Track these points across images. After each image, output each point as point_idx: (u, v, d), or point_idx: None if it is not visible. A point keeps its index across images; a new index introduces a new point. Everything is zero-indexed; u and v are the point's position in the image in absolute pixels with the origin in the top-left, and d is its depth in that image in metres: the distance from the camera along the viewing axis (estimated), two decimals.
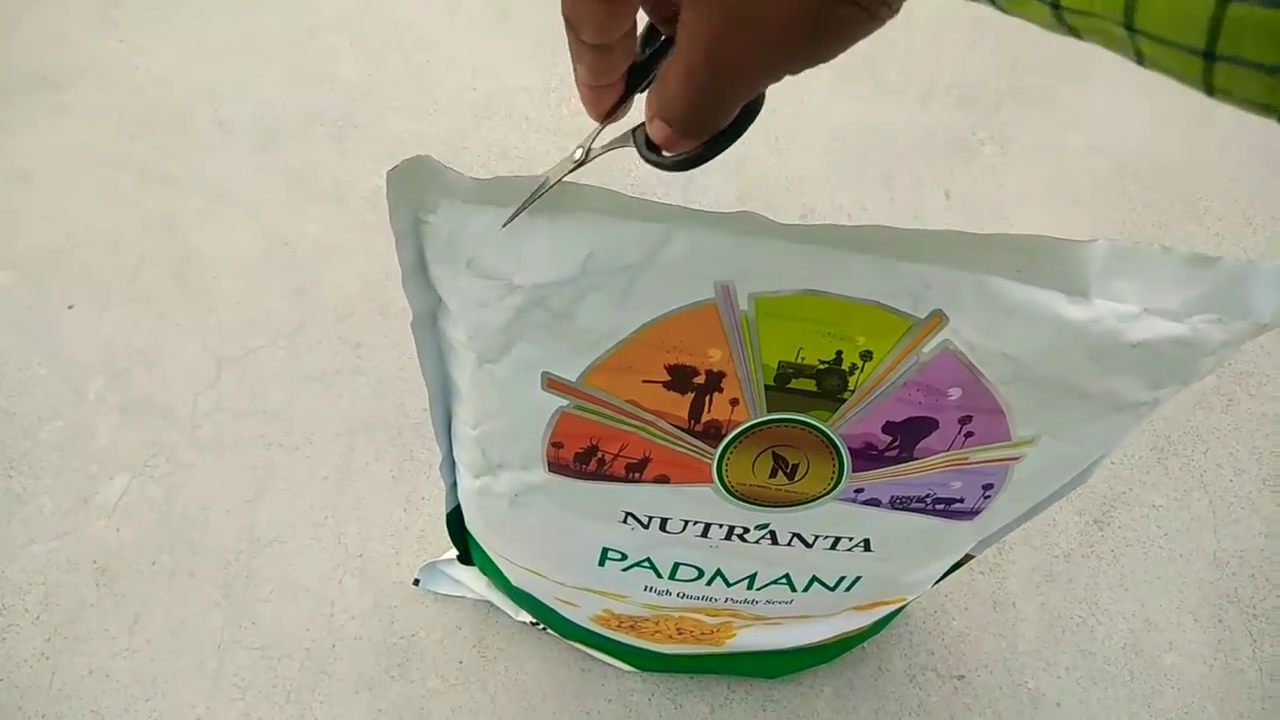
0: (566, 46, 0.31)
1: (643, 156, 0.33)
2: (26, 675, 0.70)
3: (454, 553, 0.68)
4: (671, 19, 0.31)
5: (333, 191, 0.98)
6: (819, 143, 1.05)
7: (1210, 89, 0.19)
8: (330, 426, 0.82)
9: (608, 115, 0.34)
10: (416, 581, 0.74)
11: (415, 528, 0.78)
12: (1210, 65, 0.18)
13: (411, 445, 0.82)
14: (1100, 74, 1.13)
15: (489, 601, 0.73)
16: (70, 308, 0.89)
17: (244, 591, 0.74)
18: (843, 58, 0.26)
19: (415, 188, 0.36)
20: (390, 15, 1.14)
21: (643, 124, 0.32)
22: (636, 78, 0.34)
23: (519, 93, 1.08)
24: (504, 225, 0.36)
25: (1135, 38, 0.19)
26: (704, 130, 0.30)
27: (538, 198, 0.35)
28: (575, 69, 0.33)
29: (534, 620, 0.69)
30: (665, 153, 0.32)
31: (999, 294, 0.36)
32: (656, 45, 0.34)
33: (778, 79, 0.27)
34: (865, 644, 0.71)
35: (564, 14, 0.31)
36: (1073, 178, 1.04)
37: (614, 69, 0.33)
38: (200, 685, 0.70)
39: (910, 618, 0.74)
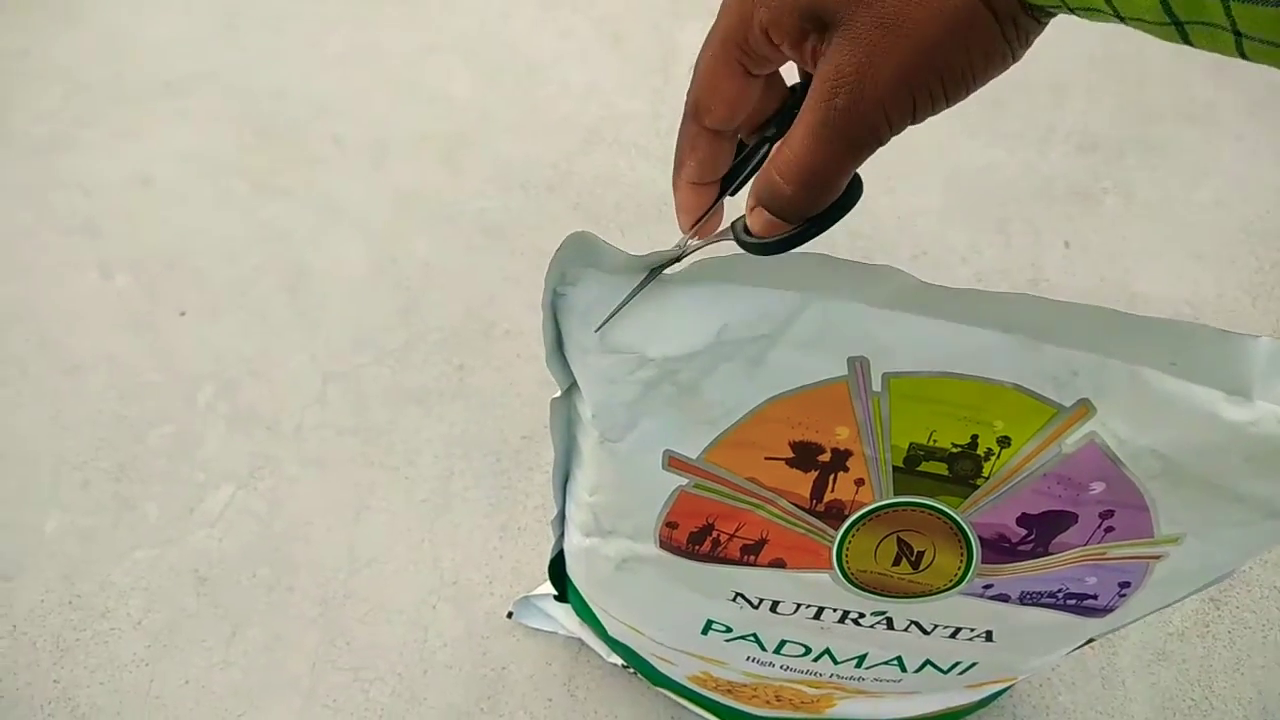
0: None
1: (740, 243, 0.33)
2: (126, 680, 0.71)
3: (549, 588, 0.68)
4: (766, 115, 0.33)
5: (441, 212, 0.99)
6: (933, 184, 1.03)
7: None
8: (431, 449, 0.82)
9: (698, 221, 0.35)
10: (510, 614, 0.73)
11: (510, 557, 0.77)
12: None
13: (510, 473, 0.81)
14: (1229, 127, 1.09)
15: (581, 640, 0.72)
16: (183, 314, 0.90)
17: (341, 610, 0.74)
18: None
19: (562, 263, 0.35)
20: (504, 37, 1.14)
21: (742, 216, 0.33)
22: (726, 182, 0.35)
23: (628, 119, 1.08)
24: (597, 330, 0.36)
25: None
26: (817, 198, 0.30)
27: (637, 295, 0.35)
28: (684, 167, 0.34)
29: (626, 664, 0.68)
30: (764, 239, 0.32)
31: (1151, 386, 0.34)
32: (745, 151, 0.35)
33: (922, 115, 0.27)
34: (968, 717, 0.69)
35: (695, 98, 0.32)
36: (1197, 233, 1.00)
37: (719, 164, 0.34)
38: (293, 703, 0.70)
39: (1016, 691, 0.71)
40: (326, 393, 0.85)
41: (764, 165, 0.31)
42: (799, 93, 0.34)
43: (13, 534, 0.77)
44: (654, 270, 0.36)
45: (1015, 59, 0.27)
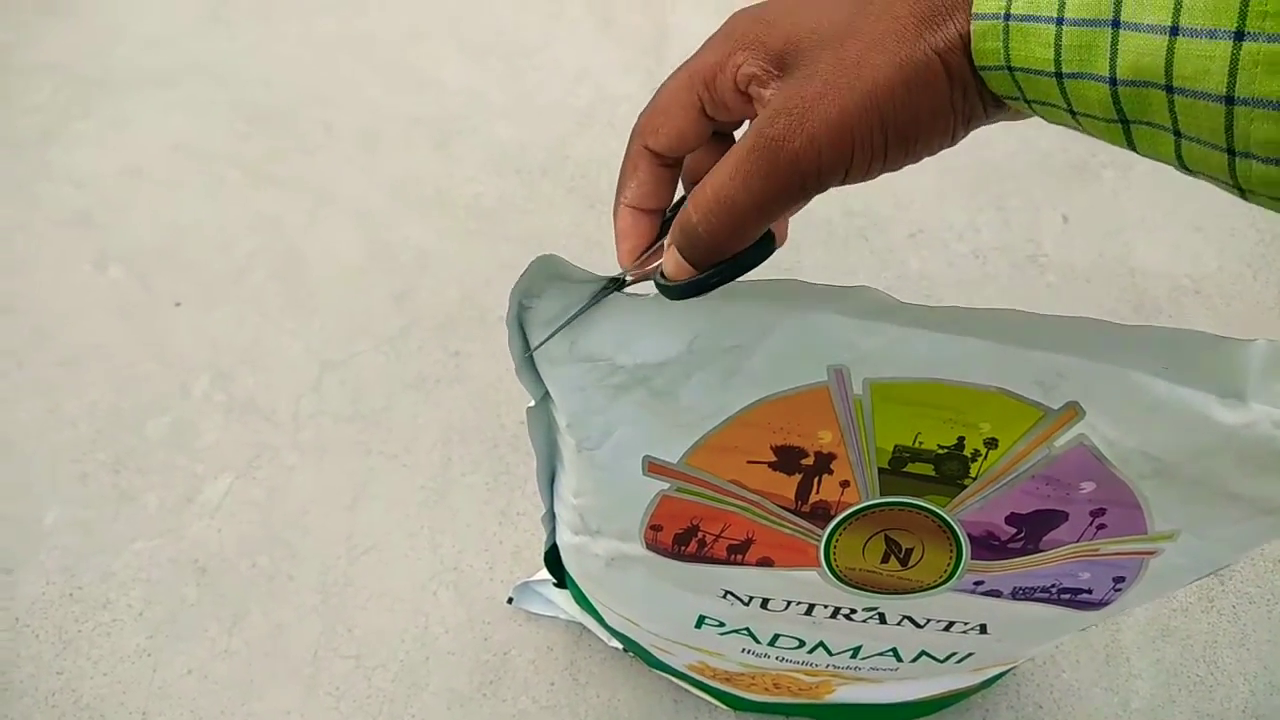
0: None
1: (657, 285, 0.33)
2: (128, 670, 0.71)
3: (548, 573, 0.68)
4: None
5: (434, 198, 0.98)
6: (929, 161, 1.01)
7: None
8: (428, 435, 0.82)
9: (637, 256, 0.34)
10: (510, 600, 0.73)
11: (509, 543, 0.77)
12: None
13: (508, 459, 0.81)
14: None
15: (581, 625, 0.72)
16: (178, 305, 0.90)
17: (341, 598, 0.74)
18: None
19: (528, 278, 0.35)
20: (494, 20, 1.14)
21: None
22: (666, 226, 0.35)
23: (621, 101, 1.07)
24: (536, 347, 0.36)
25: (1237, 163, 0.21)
26: (725, 236, 0.29)
27: (576, 319, 0.35)
28: (624, 189, 0.34)
29: (625, 649, 0.68)
30: (673, 282, 0.32)
31: (1142, 390, 0.33)
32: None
33: (858, 166, 0.27)
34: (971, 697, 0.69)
35: (645, 118, 0.32)
36: (1197, 206, 1.00)
37: (658, 193, 0.33)
38: (296, 692, 0.70)
39: (1019, 670, 0.71)
40: (323, 381, 0.85)
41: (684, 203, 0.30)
42: None
43: (12, 527, 0.77)
44: (605, 288, 0.35)
45: (954, 136, 0.27)
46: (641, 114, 0.32)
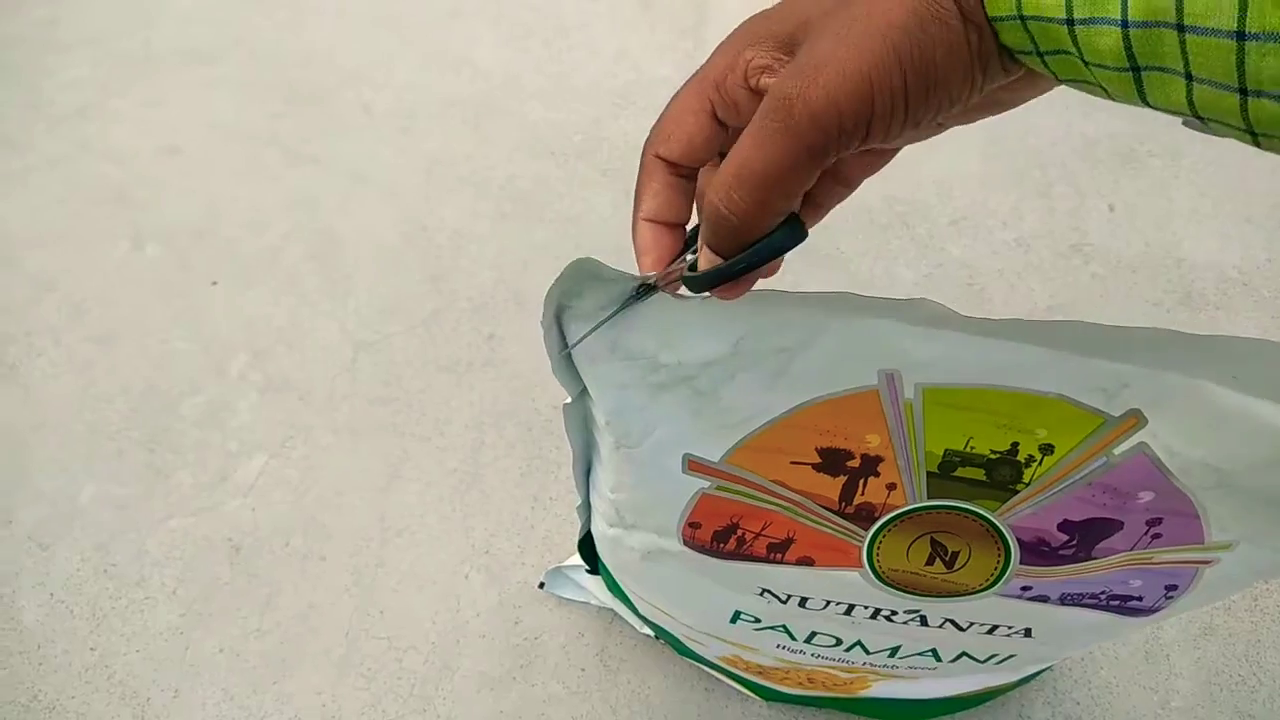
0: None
1: (684, 281, 0.32)
2: (161, 648, 0.71)
3: (581, 559, 0.67)
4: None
5: (470, 178, 0.98)
6: (973, 146, 1.00)
7: None
8: (461, 418, 0.82)
9: (658, 271, 0.33)
10: (542, 584, 0.73)
11: (541, 527, 0.77)
12: None
13: (541, 443, 0.81)
14: None
15: (613, 611, 0.71)
16: (214, 284, 0.90)
17: (373, 580, 0.74)
18: None
19: (566, 280, 0.34)
20: (532, 1, 1.13)
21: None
22: (691, 240, 0.34)
23: (658, 83, 1.06)
24: (572, 346, 0.36)
25: None
26: (759, 208, 0.27)
27: (613, 318, 0.34)
28: (641, 201, 0.33)
29: (657, 636, 0.68)
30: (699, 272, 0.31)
31: (1209, 400, 0.32)
32: None
33: (881, 115, 0.25)
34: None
35: (658, 126, 0.31)
36: (1247, 196, 0.97)
37: (674, 205, 0.32)
38: (327, 672, 0.70)
39: (1056, 665, 0.70)
40: (358, 361, 0.85)
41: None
42: None
43: (49, 503, 0.77)
44: (640, 293, 0.34)
45: (974, 82, 0.25)
46: (652, 127, 0.32)
